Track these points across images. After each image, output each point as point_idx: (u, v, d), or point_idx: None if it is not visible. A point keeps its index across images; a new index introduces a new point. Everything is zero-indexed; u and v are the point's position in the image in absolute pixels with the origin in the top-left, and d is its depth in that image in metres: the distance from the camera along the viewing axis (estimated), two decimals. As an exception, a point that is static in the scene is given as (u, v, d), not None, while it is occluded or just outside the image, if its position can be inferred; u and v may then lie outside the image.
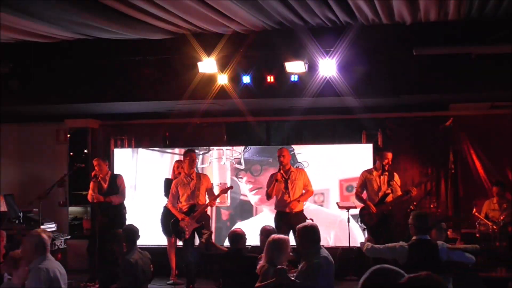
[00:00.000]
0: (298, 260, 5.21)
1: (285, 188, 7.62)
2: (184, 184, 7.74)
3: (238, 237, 5.95)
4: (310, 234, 5.07)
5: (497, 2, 6.30)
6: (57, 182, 8.42)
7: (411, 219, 5.34)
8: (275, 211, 7.93)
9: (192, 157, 7.81)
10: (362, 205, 7.85)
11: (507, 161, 8.74)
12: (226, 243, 6.79)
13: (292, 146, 9.11)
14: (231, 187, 8.04)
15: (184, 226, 7.56)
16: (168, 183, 8.21)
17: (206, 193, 7.78)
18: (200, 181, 7.75)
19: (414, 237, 5.26)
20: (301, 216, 7.61)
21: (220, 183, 9.13)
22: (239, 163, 9.28)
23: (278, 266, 4.95)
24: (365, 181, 7.85)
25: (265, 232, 6.00)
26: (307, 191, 7.87)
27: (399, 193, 7.68)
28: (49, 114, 9.56)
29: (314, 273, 4.88)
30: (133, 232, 5.97)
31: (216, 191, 8.05)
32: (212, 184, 8.05)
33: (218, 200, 8.18)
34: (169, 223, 7.81)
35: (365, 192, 7.92)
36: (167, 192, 8.13)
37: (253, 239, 6.53)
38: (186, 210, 7.67)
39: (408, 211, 7.69)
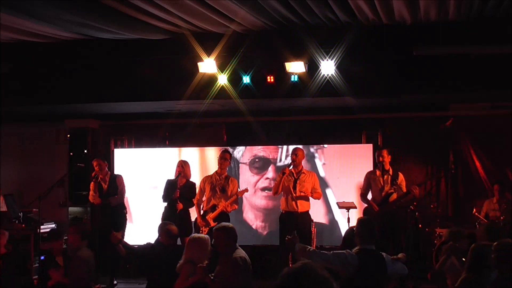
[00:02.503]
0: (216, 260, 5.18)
1: (293, 188, 7.48)
2: (212, 182, 7.72)
3: (171, 233, 5.93)
4: (229, 233, 5.05)
5: (497, 2, 6.30)
6: (57, 182, 8.41)
7: (356, 226, 4.72)
8: (281, 211, 7.73)
9: (223, 157, 7.73)
10: (363, 205, 7.81)
11: (507, 161, 8.73)
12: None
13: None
14: (246, 190, 7.81)
15: (200, 223, 7.57)
16: (168, 184, 7.88)
17: (230, 197, 7.67)
18: (228, 184, 7.69)
19: (358, 247, 4.53)
20: (306, 217, 7.53)
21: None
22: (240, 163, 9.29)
23: (199, 265, 4.95)
24: (369, 181, 7.79)
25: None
26: (315, 193, 7.62)
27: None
28: (49, 114, 9.55)
29: (233, 272, 4.86)
30: (86, 230, 5.97)
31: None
32: (237, 190, 7.84)
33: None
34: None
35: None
36: (165, 194, 7.81)
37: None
38: (207, 208, 7.65)
39: (408, 211, 7.67)
